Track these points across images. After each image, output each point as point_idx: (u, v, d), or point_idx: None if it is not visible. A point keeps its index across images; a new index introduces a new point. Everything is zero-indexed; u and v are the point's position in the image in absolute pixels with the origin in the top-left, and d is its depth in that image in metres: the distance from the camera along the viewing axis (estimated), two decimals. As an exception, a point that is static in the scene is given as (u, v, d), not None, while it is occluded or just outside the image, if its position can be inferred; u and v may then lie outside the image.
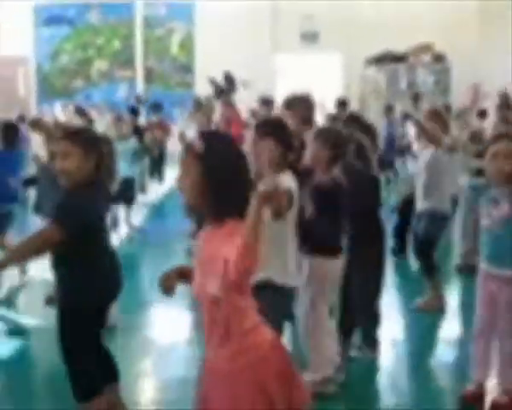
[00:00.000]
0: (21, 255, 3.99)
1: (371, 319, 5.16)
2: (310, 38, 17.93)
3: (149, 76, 18.66)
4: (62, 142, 3.84)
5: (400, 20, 16.72)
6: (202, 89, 16.34)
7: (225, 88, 13.59)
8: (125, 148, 9.04)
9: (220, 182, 2.63)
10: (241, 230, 2.41)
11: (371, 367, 5.09)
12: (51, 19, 18.36)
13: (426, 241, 6.24)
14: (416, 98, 13.40)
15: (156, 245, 9.08)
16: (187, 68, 18.59)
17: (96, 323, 3.98)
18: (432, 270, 6.29)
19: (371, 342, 5.15)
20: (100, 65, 18.71)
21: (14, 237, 6.88)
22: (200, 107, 12.54)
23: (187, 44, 18.56)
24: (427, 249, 6.25)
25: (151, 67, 18.69)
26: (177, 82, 18.65)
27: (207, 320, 2.67)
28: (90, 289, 3.81)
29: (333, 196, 4.41)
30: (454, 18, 17.05)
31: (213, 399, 2.71)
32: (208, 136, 2.77)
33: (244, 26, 17.03)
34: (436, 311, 6.22)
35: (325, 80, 17.05)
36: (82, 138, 3.85)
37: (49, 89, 18.58)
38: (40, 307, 6.28)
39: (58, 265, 3.86)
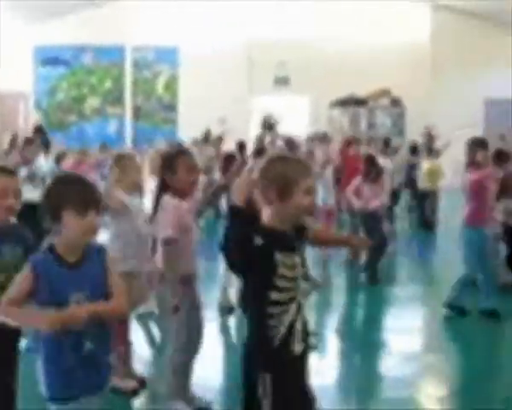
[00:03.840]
0: None
1: None
2: (282, 82, 19.73)
3: (137, 113, 20.19)
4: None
5: (362, 67, 18.40)
6: (184, 126, 18.23)
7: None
8: None
9: None
10: None
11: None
12: (49, 59, 19.75)
13: None
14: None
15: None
16: (171, 107, 20.18)
17: None
18: None
19: None
20: (92, 102, 20.13)
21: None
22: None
23: (171, 85, 20.15)
24: None
25: (139, 106, 20.22)
26: (161, 119, 20.21)
27: None
28: None
29: None
30: (409, 65, 18.85)
31: None
32: None
33: (223, 70, 18.58)
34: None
35: (295, 120, 18.79)
36: None
37: (46, 122, 19.62)
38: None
39: None
